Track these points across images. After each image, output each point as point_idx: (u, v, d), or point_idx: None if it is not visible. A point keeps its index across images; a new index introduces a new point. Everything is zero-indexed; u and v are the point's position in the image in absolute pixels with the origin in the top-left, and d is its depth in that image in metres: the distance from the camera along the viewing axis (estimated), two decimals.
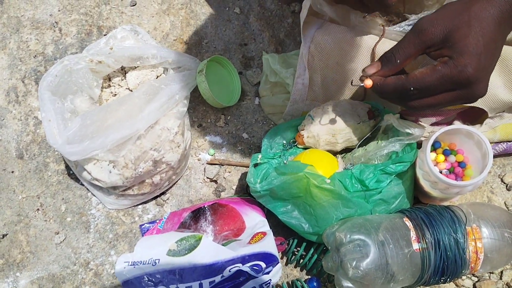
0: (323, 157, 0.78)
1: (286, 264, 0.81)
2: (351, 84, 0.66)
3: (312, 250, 0.78)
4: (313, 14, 0.83)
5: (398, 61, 0.60)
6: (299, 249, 0.80)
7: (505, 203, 0.85)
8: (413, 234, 0.70)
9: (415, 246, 0.70)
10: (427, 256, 0.69)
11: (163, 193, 0.88)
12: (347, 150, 0.84)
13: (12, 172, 0.89)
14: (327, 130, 0.79)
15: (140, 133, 0.78)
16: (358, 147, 0.81)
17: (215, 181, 0.89)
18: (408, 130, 0.74)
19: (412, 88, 0.59)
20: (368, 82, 0.63)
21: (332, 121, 0.79)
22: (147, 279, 0.67)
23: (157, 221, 0.82)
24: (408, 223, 0.71)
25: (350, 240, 0.69)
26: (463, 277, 0.80)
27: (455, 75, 0.56)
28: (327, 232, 0.73)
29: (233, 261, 0.66)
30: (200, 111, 0.93)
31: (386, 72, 0.62)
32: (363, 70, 0.63)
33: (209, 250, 0.68)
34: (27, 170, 0.89)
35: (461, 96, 0.58)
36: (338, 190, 0.71)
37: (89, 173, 0.78)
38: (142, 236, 0.82)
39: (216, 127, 0.92)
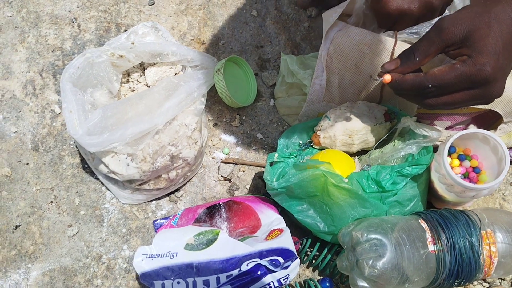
0: (340, 157, 0.78)
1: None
2: (370, 77, 0.68)
3: (325, 251, 0.78)
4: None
5: (418, 58, 0.61)
6: (312, 249, 0.80)
7: None
8: (428, 235, 0.71)
9: (431, 247, 0.70)
10: (442, 258, 0.70)
11: (177, 190, 0.88)
12: (362, 152, 0.85)
13: (27, 164, 0.89)
14: (344, 131, 0.80)
15: (158, 128, 0.79)
16: (375, 149, 0.81)
17: (229, 180, 0.89)
18: (425, 133, 0.74)
19: (430, 86, 0.60)
20: (387, 78, 0.64)
21: (349, 122, 0.80)
22: (164, 271, 0.67)
23: (171, 217, 0.82)
24: (424, 224, 0.72)
25: (366, 240, 0.69)
26: (475, 283, 0.81)
27: (474, 74, 0.57)
28: (343, 231, 0.73)
29: (250, 256, 0.66)
30: (216, 110, 0.94)
31: (405, 69, 0.63)
32: (382, 66, 0.64)
33: (227, 245, 0.69)
34: (42, 162, 0.90)
35: (478, 95, 0.60)
36: (356, 189, 0.72)
37: (107, 166, 0.79)
38: (156, 231, 0.82)
39: (231, 126, 0.93)
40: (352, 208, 0.73)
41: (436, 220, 0.72)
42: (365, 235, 0.69)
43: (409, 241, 0.69)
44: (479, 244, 0.70)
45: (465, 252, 0.70)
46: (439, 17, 0.65)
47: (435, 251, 0.70)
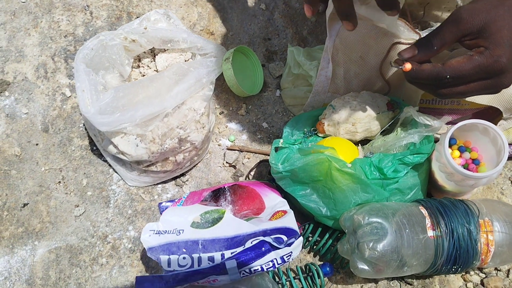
0: (344, 144, 0.80)
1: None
2: (391, 64, 0.68)
3: (327, 236, 0.80)
4: None
5: (435, 47, 0.63)
6: (313, 235, 0.82)
7: None
8: (428, 221, 0.73)
9: (430, 233, 0.72)
10: (440, 243, 0.72)
11: (182, 174, 0.90)
12: (365, 142, 0.87)
13: (37, 144, 0.91)
14: (347, 118, 0.82)
15: (167, 111, 0.81)
16: (377, 138, 0.84)
17: (234, 166, 0.91)
18: (427, 122, 0.77)
19: (448, 76, 0.61)
20: (408, 66, 0.64)
21: (353, 110, 0.82)
22: (171, 247, 0.68)
23: (176, 200, 0.84)
24: (424, 211, 0.74)
25: (368, 223, 0.71)
26: (471, 273, 0.82)
27: (491, 65, 0.59)
28: (344, 216, 0.75)
29: (255, 234, 0.68)
30: (223, 99, 0.96)
31: (422, 58, 0.64)
32: (399, 54, 0.65)
33: (232, 224, 0.70)
34: (51, 143, 0.91)
35: (490, 85, 0.62)
36: (358, 174, 0.74)
37: (116, 147, 0.80)
38: (161, 214, 0.84)
39: (237, 115, 0.95)
40: (354, 193, 0.75)
41: (435, 207, 0.74)
42: (367, 218, 0.71)
43: (409, 226, 0.71)
44: (477, 232, 0.72)
45: (463, 239, 0.72)
46: (457, 7, 0.67)
47: (434, 237, 0.72)
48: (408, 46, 0.68)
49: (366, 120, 0.82)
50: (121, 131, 0.79)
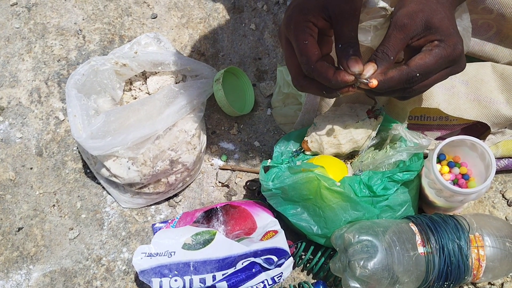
0: (333, 162, 0.81)
1: (293, 267, 0.83)
2: (356, 87, 0.66)
3: (319, 254, 0.81)
4: None
5: (392, 57, 0.64)
6: (306, 253, 0.82)
7: (506, 217, 0.88)
8: (418, 238, 0.73)
9: (420, 249, 0.72)
10: (431, 260, 0.72)
11: (176, 195, 0.91)
12: (355, 156, 0.87)
13: (31, 168, 0.92)
14: (328, 132, 0.82)
15: (159, 133, 0.82)
16: (366, 150, 0.84)
17: (227, 186, 0.92)
18: (415, 140, 0.78)
19: (418, 74, 0.63)
20: (374, 82, 0.64)
21: (332, 123, 0.82)
22: (162, 269, 0.69)
23: (169, 221, 0.84)
24: (414, 227, 0.74)
25: (358, 241, 0.72)
26: (465, 287, 0.83)
27: (451, 53, 0.63)
28: (335, 234, 0.76)
29: (246, 255, 0.69)
30: (215, 119, 0.97)
31: (383, 71, 0.65)
32: (360, 75, 0.65)
33: (223, 245, 0.71)
34: (46, 167, 0.92)
35: (452, 71, 0.67)
36: (348, 193, 0.74)
37: (108, 170, 0.81)
38: (154, 235, 0.85)
39: (229, 134, 0.96)
40: (344, 211, 0.75)
41: (425, 224, 0.75)
42: (357, 236, 0.72)
43: (399, 243, 0.72)
44: (468, 247, 0.73)
45: (453, 255, 0.72)
46: (391, 16, 0.68)
47: (424, 253, 0.72)
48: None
49: (347, 130, 0.82)
50: (113, 154, 0.80)
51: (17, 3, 1.08)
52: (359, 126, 0.82)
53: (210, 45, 1.04)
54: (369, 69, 0.65)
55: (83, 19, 1.07)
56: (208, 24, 1.06)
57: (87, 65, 0.81)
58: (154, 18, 1.08)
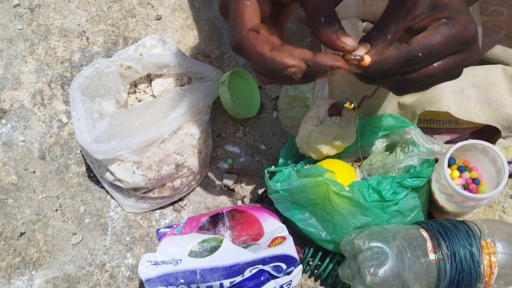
0: (341, 167, 0.80)
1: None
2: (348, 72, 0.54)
3: (327, 260, 0.79)
4: None
5: (389, 37, 0.53)
6: (314, 259, 0.81)
7: None
8: (429, 244, 0.71)
9: (432, 256, 0.71)
10: (443, 267, 0.70)
11: (180, 199, 0.89)
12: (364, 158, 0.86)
13: (34, 172, 0.91)
14: (301, 139, 0.79)
15: (164, 137, 0.80)
16: (375, 153, 0.83)
17: (233, 190, 0.90)
18: (428, 146, 0.76)
19: (420, 54, 0.51)
20: (367, 59, 0.51)
21: (300, 130, 0.79)
22: (168, 278, 0.67)
23: (174, 226, 0.83)
24: (425, 234, 0.73)
25: (368, 247, 0.70)
26: None
27: (462, 33, 0.52)
28: (344, 240, 0.74)
29: (253, 263, 0.67)
30: (220, 121, 0.96)
31: (377, 52, 0.53)
32: (351, 54, 0.52)
33: (230, 252, 0.69)
34: (48, 171, 0.91)
35: (464, 59, 0.54)
36: (357, 198, 0.73)
37: (113, 174, 0.80)
38: (159, 240, 0.83)
39: (234, 137, 0.95)
40: (354, 216, 0.74)
41: (436, 229, 0.73)
42: (367, 243, 0.70)
43: (410, 250, 0.70)
44: (479, 254, 0.71)
45: (465, 262, 0.71)
46: None
47: (435, 260, 0.71)
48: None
49: (313, 136, 0.76)
50: (118, 158, 0.79)
51: (19, 4, 1.07)
52: (324, 129, 0.74)
53: (215, 47, 1.03)
54: (361, 48, 0.53)
55: (87, 21, 1.05)
56: (213, 26, 1.05)
57: (92, 68, 0.80)
58: (159, 19, 1.06)
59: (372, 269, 0.69)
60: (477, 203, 0.74)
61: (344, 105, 0.73)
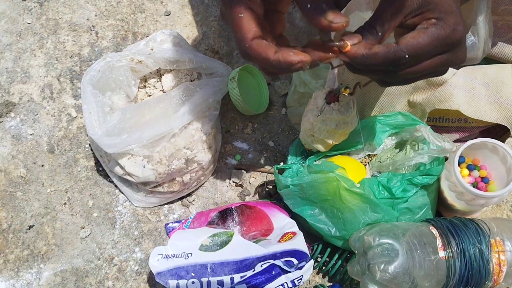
0: (353, 163, 0.80)
1: None
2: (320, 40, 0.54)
3: (336, 256, 0.79)
4: None
5: (380, 33, 0.54)
6: (322, 255, 0.81)
7: None
8: (439, 242, 0.72)
9: (441, 253, 0.71)
10: (452, 264, 0.71)
11: (189, 194, 0.89)
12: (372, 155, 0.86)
13: (42, 165, 0.91)
14: (305, 132, 0.79)
15: (174, 131, 0.80)
16: (384, 150, 0.83)
17: (241, 186, 0.90)
18: (439, 143, 0.76)
19: (407, 56, 0.53)
20: (348, 44, 0.52)
21: (302, 125, 0.79)
22: (179, 271, 0.68)
23: (183, 221, 0.83)
24: (434, 231, 0.73)
25: (378, 244, 0.70)
26: None
27: (449, 35, 0.53)
28: (354, 236, 0.74)
29: (264, 257, 0.67)
30: (229, 117, 0.96)
31: (367, 45, 0.54)
32: (344, 40, 0.53)
33: (241, 246, 0.70)
34: (57, 164, 0.91)
35: (449, 59, 0.56)
36: (367, 194, 0.73)
37: (123, 168, 0.80)
38: (167, 235, 0.83)
39: (243, 134, 0.95)
40: (364, 212, 0.74)
41: (446, 227, 0.73)
42: (377, 239, 0.71)
43: (420, 247, 0.71)
44: (489, 252, 0.71)
45: (474, 259, 0.71)
46: None
47: (445, 258, 0.71)
48: None
49: (316, 128, 0.76)
50: (128, 152, 0.79)
51: None
52: (326, 118, 0.74)
53: (224, 43, 1.03)
54: (354, 38, 0.54)
55: (96, 15, 1.05)
56: (222, 22, 1.05)
57: (103, 61, 0.80)
58: (168, 15, 1.06)
59: (382, 266, 0.69)
60: (487, 201, 0.74)
61: (340, 90, 0.73)
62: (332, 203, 0.75)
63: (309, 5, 0.51)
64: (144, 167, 0.79)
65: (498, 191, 0.73)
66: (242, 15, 0.52)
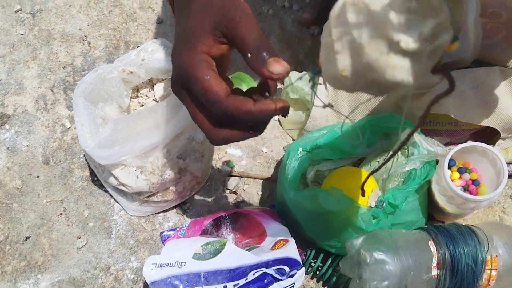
0: (347, 175, 0.81)
1: None
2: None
3: (329, 261, 0.80)
4: None
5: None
6: (316, 260, 0.82)
7: None
8: (435, 260, 0.70)
9: (434, 272, 0.69)
10: (443, 281, 0.70)
11: (183, 202, 0.90)
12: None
13: (38, 176, 0.92)
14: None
15: (167, 141, 0.81)
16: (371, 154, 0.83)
17: (235, 192, 0.91)
18: (431, 148, 0.77)
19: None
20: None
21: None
22: (173, 280, 0.68)
23: (177, 228, 0.84)
24: (433, 248, 0.71)
25: (374, 261, 0.69)
26: None
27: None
28: (348, 244, 0.74)
29: (257, 266, 0.68)
30: None
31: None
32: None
33: (234, 254, 0.70)
34: (52, 175, 0.92)
35: None
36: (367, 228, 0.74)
37: (116, 178, 0.81)
38: (163, 243, 0.84)
39: None
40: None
41: (446, 244, 0.71)
42: (373, 256, 0.69)
43: (415, 267, 0.69)
44: (482, 270, 0.70)
45: (465, 278, 0.70)
46: None
47: (437, 276, 0.70)
48: None
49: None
50: (121, 163, 0.79)
51: (21, 9, 1.07)
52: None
53: None
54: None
55: (88, 25, 1.06)
56: None
57: (94, 73, 0.81)
58: (160, 23, 1.07)
59: (374, 283, 0.69)
60: (477, 204, 0.75)
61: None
62: (331, 216, 0.75)
63: (249, 55, 0.50)
64: (137, 177, 0.80)
65: (487, 195, 0.74)
66: (208, 77, 0.50)
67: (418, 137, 0.78)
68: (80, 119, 0.77)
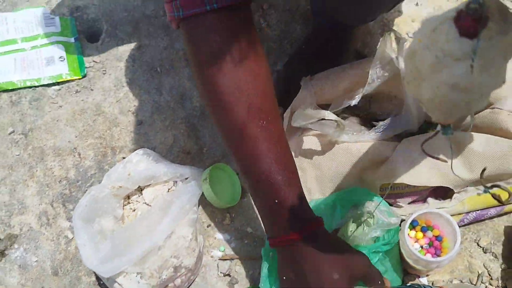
0: None
1: None
2: None
3: None
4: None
5: None
6: None
7: (484, 264, 0.97)
8: None
9: None
10: None
11: None
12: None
13: None
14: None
15: (159, 244, 0.91)
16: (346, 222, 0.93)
17: (228, 275, 1.00)
18: (385, 220, 0.87)
19: None
20: None
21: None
22: None
23: None
24: None
25: None
26: None
27: None
28: None
29: None
30: (208, 212, 1.07)
31: None
32: None
33: None
34: (63, 285, 1.01)
35: None
36: None
37: (120, 285, 0.90)
38: None
39: (223, 225, 1.06)
40: None
41: None
42: None
43: None
44: None
45: None
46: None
47: None
48: None
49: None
50: (123, 271, 0.89)
51: (14, 131, 1.18)
52: (485, 60, 0.40)
53: (193, 143, 1.14)
54: None
55: (76, 136, 1.17)
56: (189, 123, 1.17)
57: (88, 195, 0.91)
58: (140, 124, 1.18)
59: None
60: (440, 263, 0.85)
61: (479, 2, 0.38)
62: None
63: None
64: (138, 282, 0.89)
65: (446, 255, 0.84)
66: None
67: (374, 210, 0.88)
68: (81, 241, 0.87)
